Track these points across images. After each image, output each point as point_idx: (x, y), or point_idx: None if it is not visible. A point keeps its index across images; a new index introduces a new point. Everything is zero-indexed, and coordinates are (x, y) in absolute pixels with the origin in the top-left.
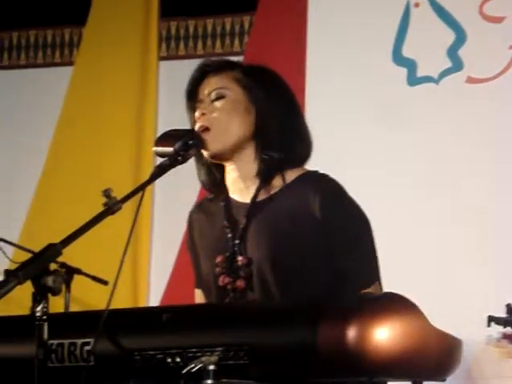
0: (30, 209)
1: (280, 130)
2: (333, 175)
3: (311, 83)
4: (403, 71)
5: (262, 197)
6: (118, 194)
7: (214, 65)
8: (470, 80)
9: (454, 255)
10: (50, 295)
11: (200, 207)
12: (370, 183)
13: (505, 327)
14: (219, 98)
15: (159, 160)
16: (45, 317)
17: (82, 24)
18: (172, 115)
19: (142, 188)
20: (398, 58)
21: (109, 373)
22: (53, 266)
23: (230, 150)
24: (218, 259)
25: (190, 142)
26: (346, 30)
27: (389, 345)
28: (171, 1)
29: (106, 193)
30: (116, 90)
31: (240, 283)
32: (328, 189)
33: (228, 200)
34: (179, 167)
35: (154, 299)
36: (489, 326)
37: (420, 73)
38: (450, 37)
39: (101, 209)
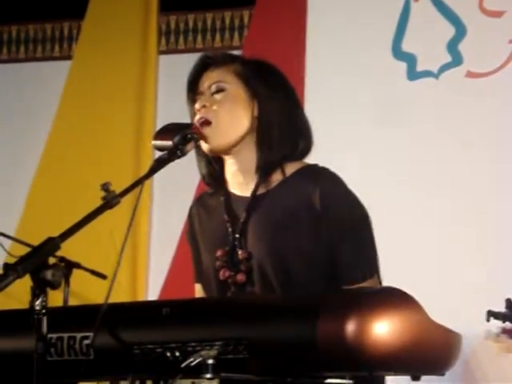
0: (27, 202)
1: (280, 124)
2: (333, 169)
3: (310, 77)
4: (403, 66)
5: (261, 190)
6: (117, 187)
7: (214, 58)
8: (470, 74)
9: (453, 250)
10: (49, 289)
11: (200, 201)
12: (369, 180)
13: (504, 322)
14: (219, 91)
15: (158, 154)
16: (44, 311)
17: (81, 18)
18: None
19: (140, 182)
20: (398, 52)
21: (108, 367)
22: (51, 260)
23: (229, 145)
24: (219, 253)
25: (189, 136)
26: (345, 24)
27: (388, 339)
28: None
29: (105, 187)
30: (115, 84)
31: (241, 277)
32: (328, 182)
33: (228, 194)
34: (178, 161)
35: (152, 293)
36: (488, 320)
37: (420, 67)
38: (449, 31)
39: (99, 203)
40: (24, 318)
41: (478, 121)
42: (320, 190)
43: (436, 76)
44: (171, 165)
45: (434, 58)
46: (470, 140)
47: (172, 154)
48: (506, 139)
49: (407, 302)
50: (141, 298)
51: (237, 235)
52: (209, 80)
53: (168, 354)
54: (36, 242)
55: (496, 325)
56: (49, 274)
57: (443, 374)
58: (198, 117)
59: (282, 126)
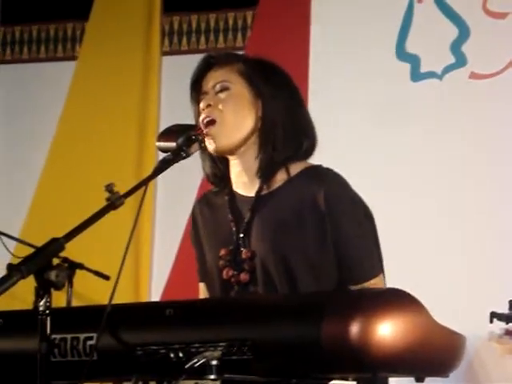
0: (32, 203)
1: (284, 124)
2: (336, 170)
3: (314, 78)
4: (406, 67)
5: (266, 190)
6: (121, 188)
7: (218, 57)
8: (474, 76)
9: (456, 251)
10: (52, 290)
11: (204, 200)
12: (372, 180)
13: (507, 323)
14: (223, 89)
15: (162, 155)
16: (48, 311)
17: (84, 18)
18: (175, 110)
19: (144, 183)
20: (402, 53)
21: (111, 368)
22: (55, 261)
23: (236, 146)
24: (222, 252)
25: (193, 137)
26: (348, 25)
27: (392, 340)
28: None
29: (109, 187)
30: (118, 85)
31: (244, 276)
32: (332, 182)
33: (232, 194)
34: (181, 161)
35: (155, 294)
36: (491, 322)
37: (423, 68)
38: (453, 32)
39: (103, 204)
40: (28, 319)
41: (482, 122)
42: (325, 190)
43: (440, 77)
44: (174, 165)
45: (438, 59)
46: (473, 141)
47: (176, 156)
48: (509, 139)
49: (411, 303)
50: (144, 299)
51: (241, 235)
52: (213, 80)
53: (171, 355)
54: (40, 243)
55: (499, 326)
56: (53, 275)
57: (447, 376)
58: (202, 116)
59: (285, 126)
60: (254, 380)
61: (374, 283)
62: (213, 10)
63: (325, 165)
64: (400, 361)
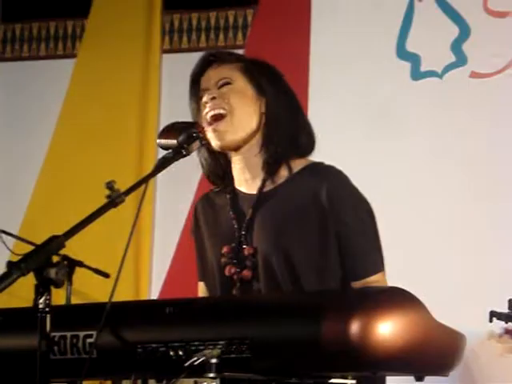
0: (31, 200)
1: (286, 121)
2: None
3: (314, 77)
4: (407, 66)
5: (268, 187)
6: (121, 186)
7: (218, 55)
8: (474, 75)
9: (456, 250)
10: (52, 287)
11: (206, 199)
12: (372, 178)
13: (507, 323)
14: (227, 84)
15: (162, 152)
16: (47, 309)
17: (84, 16)
18: (175, 108)
19: (145, 181)
20: (402, 52)
21: (111, 365)
22: (55, 259)
23: (243, 142)
24: (225, 249)
25: (194, 135)
26: (349, 24)
27: (392, 339)
28: None
29: (109, 185)
30: (118, 83)
31: (246, 273)
32: (334, 179)
33: (234, 191)
34: (181, 160)
35: (155, 292)
36: (491, 321)
37: (424, 67)
38: (453, 31)
39: (103, 201)
40: (27, 317)
41: (482, 121)
42: (327, 187)
43: (440, 76)
44: (175, 163)
45: (438, 58)
46: (473, 140)
47: (177, 153)
48: (510, 139)
49: (411, 302)
50: (144, 297)
51: (243, 232)
52: (214, 76)
53: (171, 353)
54: (40, 241)
55: (499, 325)
56: (52, 273)
57: (447, 375)
58: (207, 109)
59: (287, 124)
60: (254, 378)
61: (375, 280)
62: (213, 8)
63: (326, 161)
64: (400, 360)
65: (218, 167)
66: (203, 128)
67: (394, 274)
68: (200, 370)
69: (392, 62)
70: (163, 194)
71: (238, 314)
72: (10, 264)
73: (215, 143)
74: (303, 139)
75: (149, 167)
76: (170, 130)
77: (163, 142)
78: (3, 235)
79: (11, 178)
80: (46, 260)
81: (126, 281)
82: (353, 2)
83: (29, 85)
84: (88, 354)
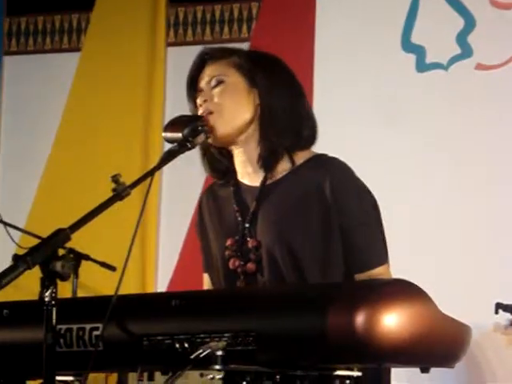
0: (37, 193)
1: (283, 111)
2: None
3: (319, 69)
4: (412, 58)
5: (271, 180)
6: (126, 179)
7: (212, 53)
8: (480, 66)
9: (462, 242)
10: (58, 280)
11: (210, 191)
12: (377, 169)
13: None
14: (219, 83)
15: (168, 146)
16: (53, 302)
17: (89, 9)
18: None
19: (150, 174)
20: (407, 44)
21: (117, 358)
22: (61, 252)
23: (235, 133)
24: (229, 242)
25: (199, 128)
26: (354, 16)
27: (398, 331)
28: None
29: (115, 178)
30: (124, 76)
31: (251, 266)
32: (337, 171)
33: (237, 184)
34: (187, 152)
35: (161, 284)
36: (496, 313)
37: (429, 59)
38: (459, 23)
39: (109, 194)
40: (33, 309)
41: (488, 112)
42: (330, 178)
43: (445, 68)
44: (180, 156)
45: (444, 50)
46: (478, 132)
47: (182, 146)
48: None
49: (417, 293)
50: (150, 290)
51: (246, 224)
52: (208, 75)
53: (177, 346)
54: (46, 234)
55: (504, 317)
56: (58, 266)
57: (452, 367)
58: (200, 112)
59: (284, 114)
60: (259, 371)
61: (380, 272)
62: (218, 1)
63: (330, 153)
64: (405, 351)
65: (219, 164)
66: (208, 121)
67: (399, 267)
68: (205, 363)
69: (397, 54)
70: (170, 186)
71: (244, 306)
72: (16, 257)
73: (209, 139)
74: (304, 131)
75: (154, 160)
76: (176, 124)
77: (169, 135)
78: (9, 228)
79: (17, 172)
80: (51, 253)
81: (132, 274)
82: None
83: (34, 78)
84: (94, 347)
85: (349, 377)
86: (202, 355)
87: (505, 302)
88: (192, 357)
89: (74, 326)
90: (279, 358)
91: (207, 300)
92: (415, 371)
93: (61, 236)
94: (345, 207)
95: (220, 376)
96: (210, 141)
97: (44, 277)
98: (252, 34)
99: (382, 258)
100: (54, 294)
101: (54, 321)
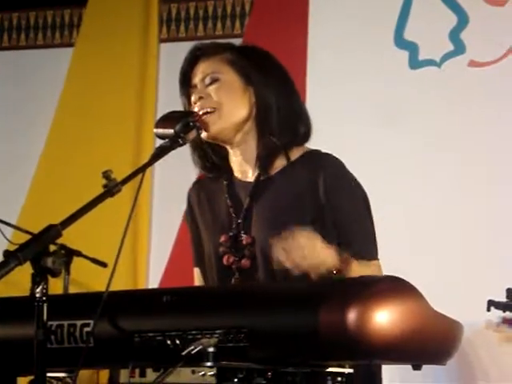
0: (30, 190)
1: (278, 108)
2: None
3: (312, 65)
4: (405, 54)
5: (265, 176)
6: (118, 176)
7: (205, 49)
8: (472, 63)
9: (454, 240)
10: (49, 276)
11: (200, 185)
12: (371, 167)
13: (504, 312)
14: (213, 81)
15: (159, 142)
16: (44, 298)
17: (82, 5)
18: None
19: (142, 170)
20: (400, 41)
21: (108, 354)
22: (52, 248)
23: (231, 131)
24: (223, 238)
25: (191, 124)
26: (347, 12)
27: (389, 328)
28: None
29: (106, 174)
30: (116, 74)
31: (245, 262)
32: (331, 166)
33: (231, 179)
34: (179, 148)
35: (153, 281)
36: (488, 310)
37: (422, 56)
38: (452, 20)
39: (101, 190)
40: (24, 306)
41: (481, 110)
42: (324, 174)
43: (438, 65)
44: (172, 152)
45: (437, 47)
46: (472, 129)
47: (174, 142)
48: (509, 128)
49: (408, 290)
50: (142, 286)
51: (240, 220)
52: (201, 72)
53: (168, 342)
54: (38, 230)
55: (496, 314)
56: (49, 262)
57: (444, 364)
58: (196, 108)
59: (280, 111)
60: (251, 367)
61: (374, 266)
62: None
63: (323, 149)
64: (397, 348)
65: (208, 160)
66: (200, 117)
67: (392, 264)
68: (197, 359)
69: (390, 50)
70: (162, 182)
71: (236, 303)
72: (7, 253)
73: (203, 135)
74: (298, 127)
75: (146, 156)
76: (167, 120)
77: (160, 131)
78: (1, 224)
79: (9, 168)
80: (43, 249)
81: (123, 270)
82: None
83: (26, 74)
84: (85, 343)
85: (340, 374)
86: (193, 352)
87: (497, 300)
88: (183, 353)
89: (65, 323)
90: (271, 354)
91: (199, 296)
92: (408, 370)
93: (52, 232)
94: (338, 202)
95: (212, 373)
96: (204, 137)
97: (35, 273)
98: (245, 30)
99: (373, 254)
100: (44, 290)
101: (45, 317)
